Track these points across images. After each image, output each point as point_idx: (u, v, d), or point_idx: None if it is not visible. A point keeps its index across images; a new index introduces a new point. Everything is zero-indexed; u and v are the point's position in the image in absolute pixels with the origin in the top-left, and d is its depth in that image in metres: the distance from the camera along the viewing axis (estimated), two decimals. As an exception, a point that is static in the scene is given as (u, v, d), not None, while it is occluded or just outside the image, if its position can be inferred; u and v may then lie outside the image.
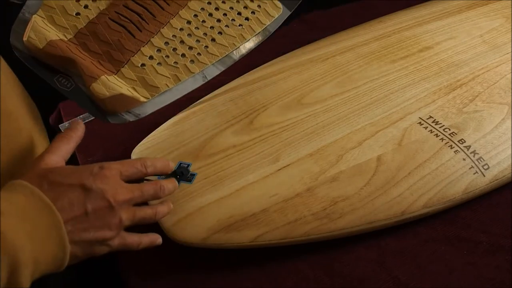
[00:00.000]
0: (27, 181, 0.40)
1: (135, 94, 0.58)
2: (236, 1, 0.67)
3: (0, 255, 0.35)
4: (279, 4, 0.69)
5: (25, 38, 0.56)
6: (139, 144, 0.66)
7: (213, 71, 0.64)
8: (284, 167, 0.62)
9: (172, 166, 0.54)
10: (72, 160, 0.71)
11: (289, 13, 0.69)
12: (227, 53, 0.64)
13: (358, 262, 0.57)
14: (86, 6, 0.60)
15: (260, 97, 0.72)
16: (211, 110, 0.70)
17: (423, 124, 0.67)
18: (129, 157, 0.66)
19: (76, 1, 0.60)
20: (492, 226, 0.60)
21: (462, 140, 0.64)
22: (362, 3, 1.06)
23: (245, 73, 0.77)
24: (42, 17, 0.58)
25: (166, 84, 0.60)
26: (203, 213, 0.57)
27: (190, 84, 0.62)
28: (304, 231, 0.56)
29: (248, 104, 0.71)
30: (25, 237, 0.37)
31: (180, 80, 0.61)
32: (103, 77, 0.56)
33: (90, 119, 0.80)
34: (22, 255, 0.36)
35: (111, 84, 0.57)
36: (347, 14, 1.03)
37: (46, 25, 0.57)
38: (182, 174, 0.61)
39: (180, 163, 0.63)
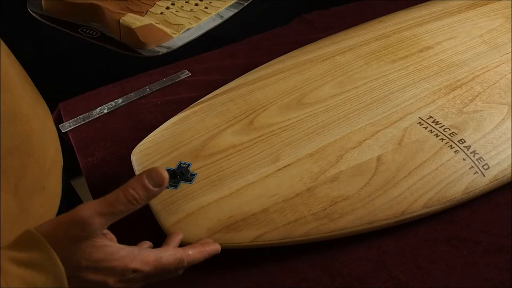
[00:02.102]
0: (59, 242, 0.38)
1: (166, 30, 0.64)
2: None
3: None
4: None
5: None
6: (139, 144, 0.66)
7: (228, 13, 0.72)
8: (284, 167, 0.62)
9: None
10: (72, 160, 0.71)
11: None
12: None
13: (358, 262, 0.57)
14: None
15: (260, 97, 0.72)
16: (211, 110, 0.70)
17: (423, 124, 0.67)
18: (129, 157, 0.66)
19: None
20: (492, 226, 0.60)
21: (462, 140, 0.64)
22: (362, 3, 1.06)
23: (245, 73, 0.77)
24: None
25: (189, 23, 0.67)
26: (203, 213, 0.57)
27: (210, 23, 0.69)
28: (304, 231, 0.56)
29: (248, 104, 0.71)
30: None
31: (201, 19, 0.68)
32: (130, 13, 0.62)
33: (90, 119, 0.80)
34: None
35: (139, 17, 0.62)
36: (347, 14, 1.03)
37: None
38: (182, 174, 0.61)
39: (180, 163, 0.63)
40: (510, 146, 0.64)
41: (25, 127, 0.50)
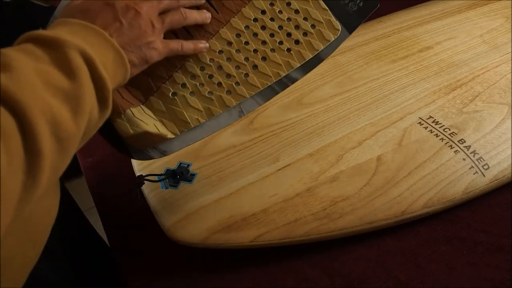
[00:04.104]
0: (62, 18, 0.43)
1: (162, 130, 0.52)
2: (287, 19, 0.55)
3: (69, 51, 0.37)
4: (338, 25, 0.55)
5: None
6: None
7: (251, 105, 0.55)
8: (284, 167, 0.62)
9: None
10: (72, 160, 0.71)
11: (347, 35, 0.56)
12: (269, 84, 0.54)
13: (358, 262, 0.57)
14: None
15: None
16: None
17: (423, 124, 0.67)
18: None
19: None
20: (492, 226, 0.60)
21: (462, 140, 0.64)
22: (362, 3, 1.06)
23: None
24: None
25: (198, 119, 0.53)
26: (203, 213, 0.57)
27: (224, 119, 0.54)
28: (304, 231, 0.56)
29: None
30: (80, 41, 0.39)
31: (214, 115, 0.53)
32: (128, 111, 0.50)
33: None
34: (89, 52, 0.39)
35: (136, 120, 0.50)
36: (347, 14, 1.03)
37: None
38: (182, 174, 0.61)
39: (180, 163, 0.63)
40: (510, 146, 0.64)
41: None
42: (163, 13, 0.49)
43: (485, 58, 0.78)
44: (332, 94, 0.72)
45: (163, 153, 0.53)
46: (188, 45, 0.52)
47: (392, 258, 0.57)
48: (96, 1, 0.45)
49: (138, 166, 0.65)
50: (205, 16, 0.53)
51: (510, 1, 0.90)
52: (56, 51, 0.37)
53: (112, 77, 0.42)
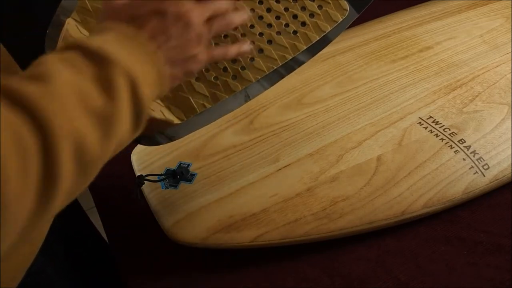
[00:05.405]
0: (106, 21, 0.42)
1: (169, 116, 0.52)
2: (293, 1, 0.54)
3: (115, 70, 0.36)
4: (346, 4, 0.54)
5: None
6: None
7: (257, 90, 0.54)
8: (284, 167, 0.62)
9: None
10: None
11: (356, 16, 0.54)
12: (275, 67, 0.53)
13: (358, 262, 0.57)
14: None
15: (260, 97, 0.71)
16: (211, 110, 0.70)
17: (423, 124, 0.67)
18: (129, 157, 0.66)
19: None
20: (492, 226, 0.60)
21: (462, 140, 0.64)
22: (362, 3, 1.06)
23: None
24: (76, 21, 0.52)
25: (204, 104, 0.52)
26: (203, 213, 0.57)
27: (230, 104, 0.54)
28: (304, 231, 0.56)
29: (248, 104, 0.70)
30: (127, 56, 0.38)
31: (219, 100, 0.53)
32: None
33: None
34: (134, 71, 0.37)
35: None
36: (347, 14, 1.03)
37: (80, 31, 0.52)
38: (182, 174, 0.61)
39: (180, 163, 0.63)
40: (510, 146, 0.64)
41: None
42: (209, 18, 0.46)
43: (485, 58, 0.77)
44: (332, 94, 0.72)
45: (171, 139, 0.53)
46: (232, 50, 0.49)
47: (392, 258, 0.57)
48: (146, 4, 0.42)
49: (138, 166, 0.65)
50: (245, 17, 0.50)
51: (510, 1, 0.90)
52: (100, 68, 0.36)
53: (151, 97, 0.40)
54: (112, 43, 0.38)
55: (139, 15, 0.41)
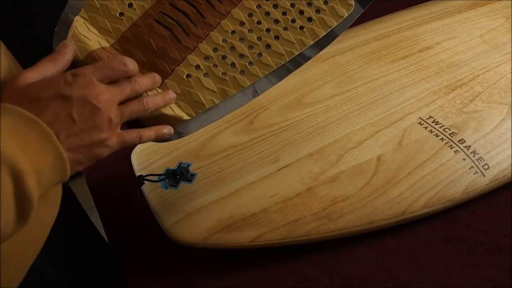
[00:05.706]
0: (6, 102, 0.40)
1: (178, 112, 0.52)
2: None
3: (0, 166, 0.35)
4: (351, 0, 0.55)
5: None
6: (139, 144, 0.66)
7: (265, 85, 0.55)
8: (284, 167, 0.62)
9: (159, 78, 0.51)
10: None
11: (361, 11, 0.56)
12: (282, 62, 0.54)
13: (358, 262, 0.57)
14: (130, 5, 0.54)
15: (260, 97, 0.72)
16: (211, 110, 0.70)
17: (423, 124, 0.67)
18: (129, 157, 0.66)
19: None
20: (492, 226, 0.60)
21: (462, 140, 0.64)
22: (362, 3, 1.06)
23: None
24: (84, 19, 0.53)
25: (212, 100, 0.53)
26: (203, 213, 0.57)
27: (239, 100, 0.55)
28: (304, 231, 0.56)
29: (248, 104, 0.71)
30: (19, 151, 0.37)
31: (228, 95, 0.54)
32: (144, 94, 0.51)
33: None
34: (21, 165, 0.36)
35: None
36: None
37: (88, 29, 0.53)
38: (182, 174, 0.61)
39: (180, 163, 0.63)
40: (510, 146, 0.64)
41: None
42: (122, 102, 0.45)
43: (485, 58, 0.77)
44: (332, 94, 0.72)
45: (180, 135, 0.53)
46: (148, 133, 0.48)
47: (392, 258, 0.57)
48: (50, 89, 0.41)
49: (138, 166, 0.65)
50: (169, 98, 0.50)
51: (510, 1, 0.90)
52: None
53: (45, 184, 0.39)
54: (4, 132, 0.37)
55: (42, 97, 0.40)
